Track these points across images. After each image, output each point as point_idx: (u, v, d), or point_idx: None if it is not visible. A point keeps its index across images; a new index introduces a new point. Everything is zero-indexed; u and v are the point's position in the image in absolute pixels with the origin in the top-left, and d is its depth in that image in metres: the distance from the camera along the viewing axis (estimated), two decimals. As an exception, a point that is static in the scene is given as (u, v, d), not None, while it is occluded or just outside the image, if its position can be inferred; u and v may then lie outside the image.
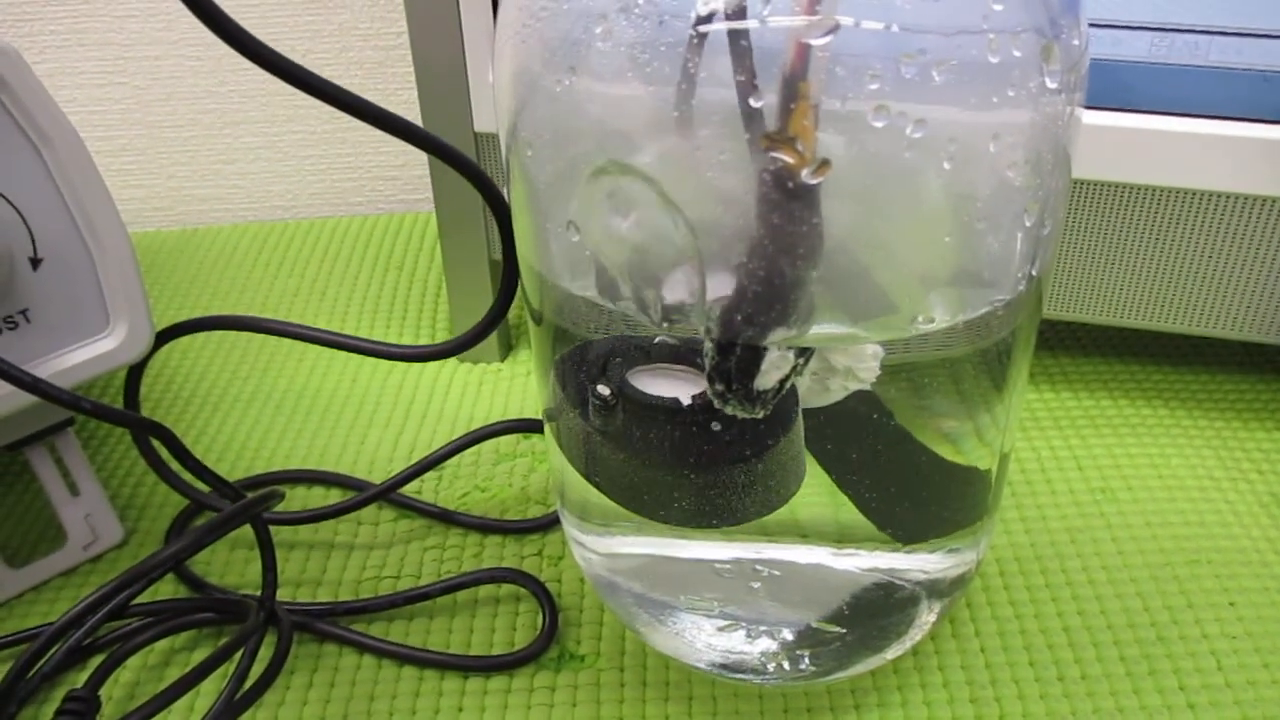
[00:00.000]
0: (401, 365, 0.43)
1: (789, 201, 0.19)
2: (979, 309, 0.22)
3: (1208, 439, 0.37)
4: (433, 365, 0.43)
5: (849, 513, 0.26)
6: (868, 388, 0.24)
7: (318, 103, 0.56)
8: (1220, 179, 0.33)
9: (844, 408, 0.24)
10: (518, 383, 0.42)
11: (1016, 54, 0.19)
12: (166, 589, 0.33)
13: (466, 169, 0.26)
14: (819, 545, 0.28)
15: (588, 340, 0.24)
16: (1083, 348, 0.42)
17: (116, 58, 0.55)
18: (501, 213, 0.28)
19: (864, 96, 0.18)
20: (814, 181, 0.19)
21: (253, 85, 0.56)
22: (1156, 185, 0.34)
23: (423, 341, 0.44)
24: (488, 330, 0.30)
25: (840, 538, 0.27)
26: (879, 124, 0.18)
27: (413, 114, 0.55)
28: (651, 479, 0.25)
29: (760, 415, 0.23)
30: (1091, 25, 0.32)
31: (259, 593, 0.32)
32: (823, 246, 0.20)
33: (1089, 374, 0.40)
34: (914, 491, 0.27)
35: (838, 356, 0.23)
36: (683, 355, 0.23)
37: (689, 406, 0.23)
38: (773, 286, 0.20)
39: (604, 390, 0.24)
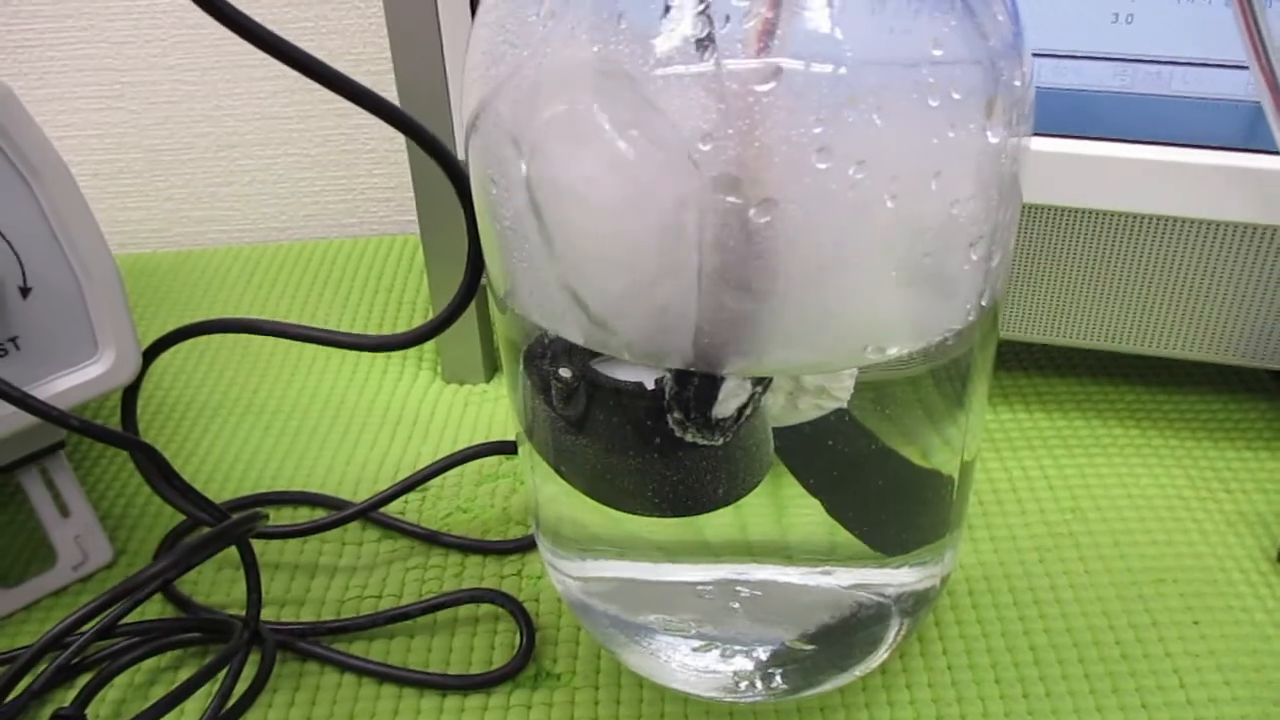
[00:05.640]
0: (389, 385, 0.44)
1: (737, 239, 0.20)
2: (929, 339, 0.23)
3: (1178, 458, 0.38)
4: (419, 386, 0.44)
5: (834, 530, 0.27)
6: (844, 405, 0.24)
7: (312, 126, 0.58)
8: (1184, 205, 0.34)
9: (820, 424, 0.25)
10: (502, 404, 0.42)
11: (955, 97, 0.20)
12: (154, 609, 0.34)
13: (421, 137, 0.26)
14: (800, 564, 0.28)
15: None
16: (1057, 368, 0.43)
17: (114, 83, 0.56)
18: (461, 187, 0.27)
19: (808, 140, 0.19)
20: (761, 220, 0.19)
21: (249, 109, 0.57)
22: (1122, 211, 0.34)
23: (410, 366, 0.45)
24: (454, 316, 0.31)
25: (824, 555, 0.28)
26: (822, 165, 0.19)
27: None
28: (615, 465, 0.25)
29: (720, 442, 0.24)
30: (1058, 56, 0.33)
31: (244, 612, 0.33)
32: (773, 281, 0.20)
33: (1062, 394, 0.41)
34: (891, 506, 0.27)
35: (809, 377, 0.24)
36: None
37: (653, 390, 0.23)
38: (724, 320, 0.21)
39: (566, 373, 0.24)
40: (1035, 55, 0.33)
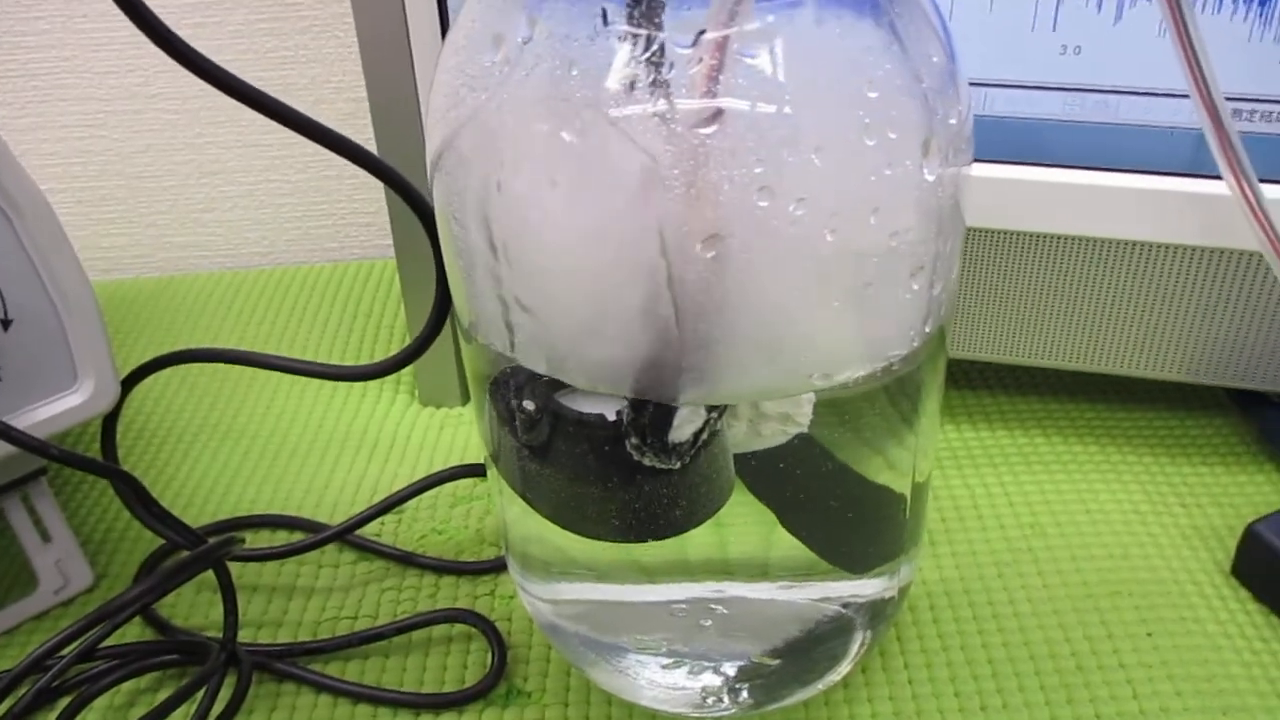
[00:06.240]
0: (366, 409, 0.44)
1: (685, 274, 0.21)
2: (875, 364, 0.24)
3: (1136, 474, 0.39)
4: (396, 409, 0.44)
5: (801, 547, 0.28)
6: (805, 430, 0.25)
7: (293, 152, 0.59)
8: (1132, 228, 0.35)
9: (779, 448, 0.25)
10: (477, 427, 0.43)
11: (892, 136, 0.21)
12: (134, 631, 0.34)
13: (386, 175, 0.27)
14: (774, 579, 0.29)
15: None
16: (1019, 386, 0.44)
17: (97, 112, 0.57)
18: (428, 223, 0.28)
19: (750, 179, 0.20)
20: (707, 255, 0.20)
21: (230, 137, 0.58)
22: (1074, 235, 0.35)
23: (387, 390, 0.46)
24: (424, 346, 0.32)
25: (803, 571, 0.28)
26: (764, 203, 0.20)
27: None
28: (579, 493, 0.26)
29: (677, 466, 0.24)
30: (1011, 86, 0.34)
31: (222, 634, 0.33)
32: (720, 313, 0.21)
33: (1023, 411, 0.42)
34: (849, 522, 0.28)
35: (770, 404, 0.25)
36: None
37: (614, 421, 0.24)
38: (674, 350, 0.21)
39: (529, 405, 0.25)
40: (989, 86, 0.34)
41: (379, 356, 0.48)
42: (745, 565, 0.29)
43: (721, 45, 0.20)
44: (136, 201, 0.60)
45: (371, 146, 0.54)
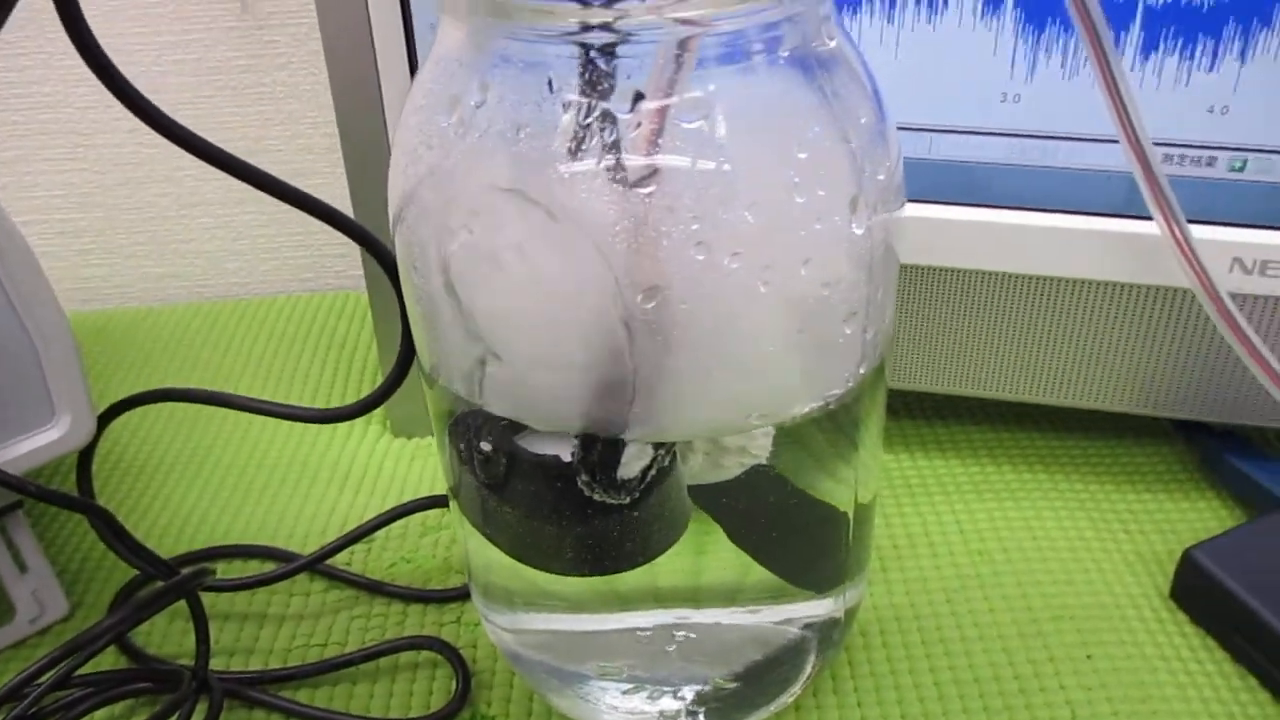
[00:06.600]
0: (339, 440, 0.45)
1: (627, 323, 0.22)
2: (813, 403, 0.25)
3: (1081, 502, 0.40)
4: (368, 440, 0.45)
5: (760, 571, 0.29)
6: (763, 461, 0.27)
7: (270, 185, 0.60)
8: (1071, 266, 0.36)
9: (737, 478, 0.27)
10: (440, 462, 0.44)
11: (820, 193, 0.22)
12: (108, 660, 0.35)
13: (363, 239, 0.29)
14: (740, 604, 0.30)
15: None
16: (973, 416, 0.45)
17: (77, 145, 0.58)
18: (391, 273, 0.29)
19: (686, 235, 0.21)
20: (648, 305, 0.22)
21: (207, 169, 0.59)
22: (1016, 273, 0.37)
23: (359, 421, 0.47)
24: (391, 389, 0.33)
25: (773, 595, 0.30)
26: (700, 257, 0.21)
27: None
28: (536, 530, 0.27)
29: (627, 500, 0.26)
30: (956, 132, 0.36)
31: (194, 662, 0.34)
32: (660, 359, 0.23)
33: (975, 441, 0.44)
34: (794, 540, 0.29)
35: (730, 437, 0.26)
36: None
37: (569, 462, 0.25)
38: (619, 393, 0.23)
39: (486, 446, 0.26)
40: (934, 131, 0.36)
41: (354, 386, 0.49)
42: (710, 591, 0.30)
43: (661, 112, 0.21)
44: (115, 233, 0.61)
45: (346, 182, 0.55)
